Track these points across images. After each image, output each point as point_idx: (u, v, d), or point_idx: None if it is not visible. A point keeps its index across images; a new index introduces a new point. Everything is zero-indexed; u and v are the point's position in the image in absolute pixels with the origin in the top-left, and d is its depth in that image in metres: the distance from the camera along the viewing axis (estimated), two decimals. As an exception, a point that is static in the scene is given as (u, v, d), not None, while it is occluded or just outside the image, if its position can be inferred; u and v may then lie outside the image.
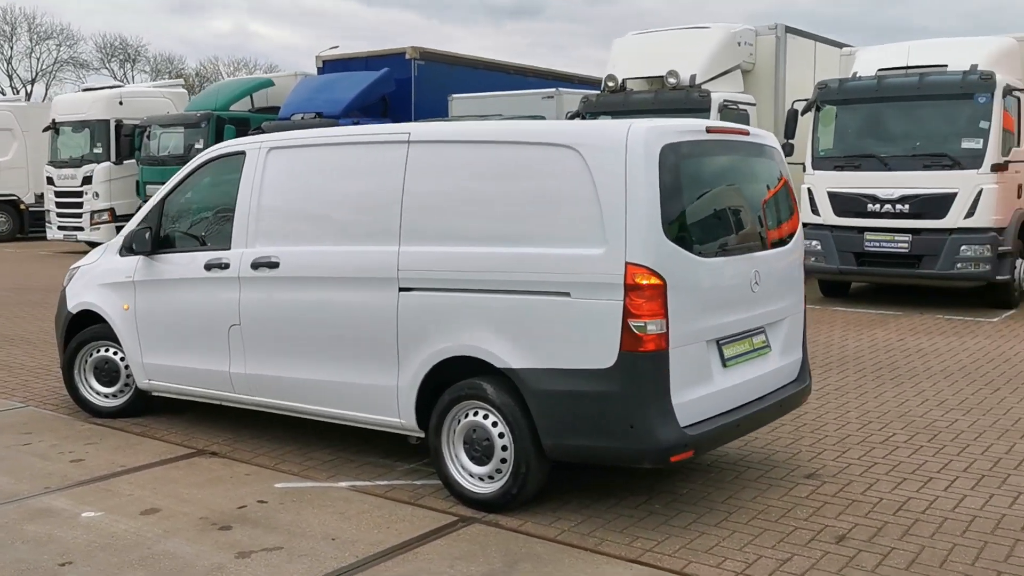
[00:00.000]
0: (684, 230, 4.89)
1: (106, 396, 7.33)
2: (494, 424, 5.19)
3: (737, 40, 15.13)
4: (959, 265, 12.16)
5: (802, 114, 13.43)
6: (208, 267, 6.39)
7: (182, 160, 17.17)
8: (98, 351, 7.32)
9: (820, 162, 13.30)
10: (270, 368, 6.13)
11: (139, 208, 7.79)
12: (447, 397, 5.34)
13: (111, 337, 7.18)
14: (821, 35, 16.86)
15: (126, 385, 7.27)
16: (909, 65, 13.05)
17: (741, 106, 14.56)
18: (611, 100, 15.08)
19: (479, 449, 5.25)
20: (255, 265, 6.11)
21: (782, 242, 5.76)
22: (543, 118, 17.55)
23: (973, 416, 7.28)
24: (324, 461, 6.19)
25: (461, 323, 5.24)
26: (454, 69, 20.96)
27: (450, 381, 5.38)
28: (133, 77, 58.40)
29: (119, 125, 21.62)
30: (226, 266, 6.28)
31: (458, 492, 5.35)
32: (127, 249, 6.98)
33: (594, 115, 15.04)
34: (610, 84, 15.12)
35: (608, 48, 16.17)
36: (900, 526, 5.05)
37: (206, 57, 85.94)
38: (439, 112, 18.89)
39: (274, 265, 6.02)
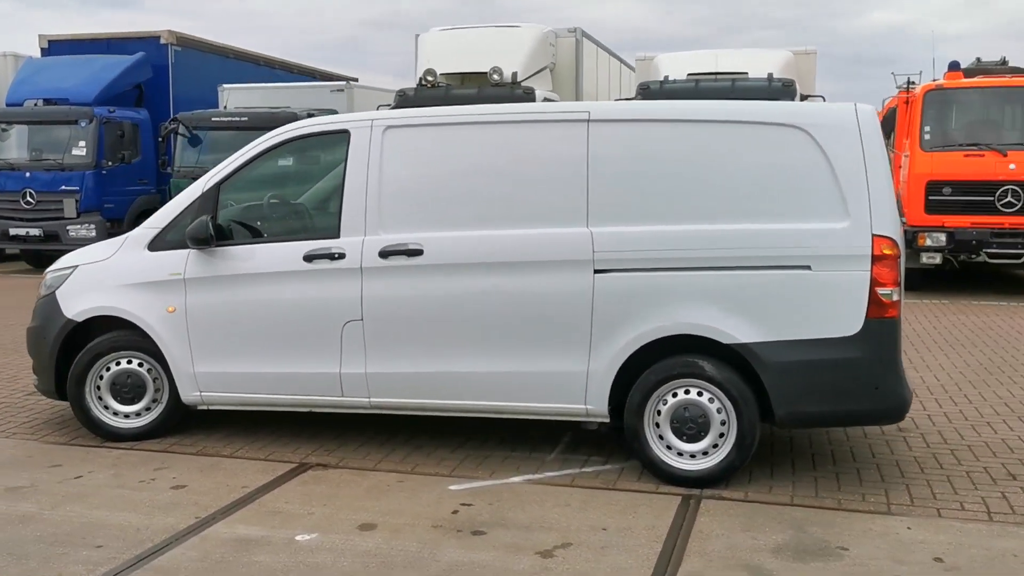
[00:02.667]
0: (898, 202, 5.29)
1: (126, 416, 6.28)
2: (710, 400, 5.26)
3: (548, 40, 15.73)
4: None
5: None
6: (311, 258, 5.75)
7: None
8: (117, 364, 6.25)
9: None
10: (406, 365, 5.66)
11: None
12: (652, 378, 5.32)
13: (136, 346, 6.18)
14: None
15: (154, 401, 6.28)
16: (718, 71, 14.37)
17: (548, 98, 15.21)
18: (430, 95, 14.98)
19: (694, 426, 5.29)
20: (385, 254, 5.62)
21: None
22: (335, 111, 17.07)
23: None
24: (462, 460, 5.84)
25: (675, 302, 5.24)
26: (208, 57, 19.63)
27: (647, 363, 5.35)
28: None
29: None
30: (339, 256, 5.69)
31: (665, 472, 5.34)
32: (167, 243, 6.05)
33: (403, 108, 14.91)
34: (429, 79, 15.04)
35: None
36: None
37: None
38: (201, 103, 17.64)
39: (415, 252, 5.58)
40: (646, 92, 14.25)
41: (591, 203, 5.37)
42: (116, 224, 17.10)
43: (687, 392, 5.31)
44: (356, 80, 22.38)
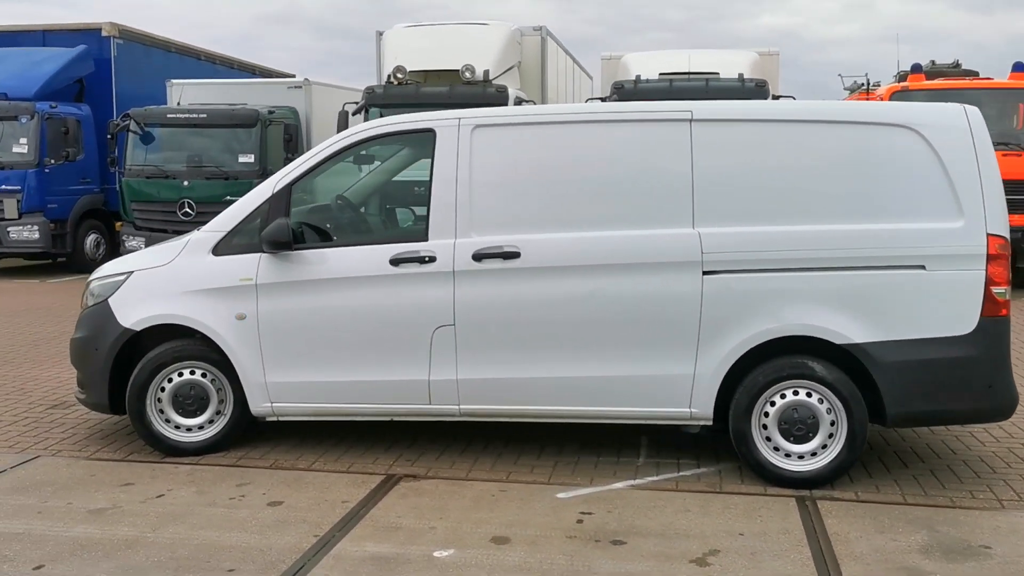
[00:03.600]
0: None
1: (188, 429, 5.95)
2: (820, 401, 5.25)
3: (517, 38, 15.63)
4: None
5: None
6: (398, 262, 5.53)
7: None
8: (180, 375, 5.91)
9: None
10: (500, 371, 5.49)
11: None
12: (761, 380, 5.29)
13: (200, 356, 5.86)
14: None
15: (217, 413, 5.97)
16: (691, 71, 14.49)
17: (526, 103, 15.13)
18: (400, 92, 14.75)
19: (803, 427, 5.28)
20: (479, 256, 5.44)
21: None
22: (295, 109, 16.67)
23: None
24: (553, 467, 5.71)
25: (787, 303, 5.22)
26: (151, 51, 18.90)
27: (752, 365, 5.32)
28: None
29: None
30: (430, 259, 5.50)
31: (773, 474, 5.32)
32: (233, 247, 5.75)
33: (381, 108, 14.65)
34: (399, 76, 14.78)
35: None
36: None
37: None
38: (146, 99, 16.98)
39: (512, 255, 5.42)
40: (621, 91, 14.26)
41: (697, 203, 5.30)
42: (59, 225, 16.34)
43: (795, 393, 5.29)
44: (293, 76, 21.89)
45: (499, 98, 14.36)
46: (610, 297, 5.35)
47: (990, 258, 5.07)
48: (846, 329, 5.15)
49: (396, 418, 5.79)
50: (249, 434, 6.14)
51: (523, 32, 16.09)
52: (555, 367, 5.45)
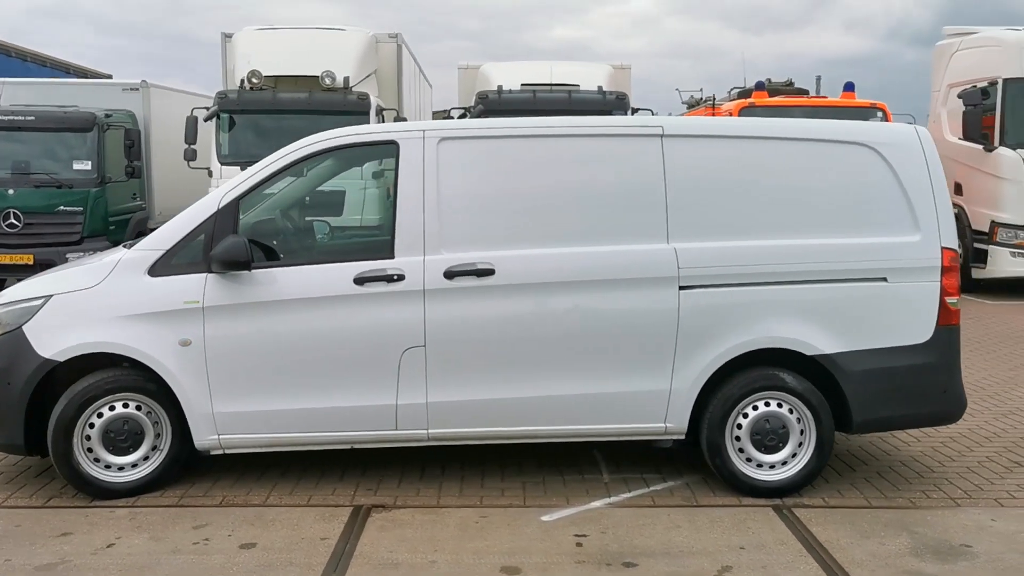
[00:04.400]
0: None
1: (120, 468, 5.40)
2: (790, 411, 5.39)
3: (375, 45, 15.32)
4: None
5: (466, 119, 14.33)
6: (362, 281, 5.25)
7: None
8: (111, 408, 5.36)
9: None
10: (472, 392, 5.31)
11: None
12: (735, 392, 5.36)
13: (133, 387, 5.35)
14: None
15: (153, 448, 5.46)
16: (553, 83, 14.66)
17: (386, 112, 14.88)
18: (256, 98, 14.15)
19: (774, 437, 5.39)
20: (451, 274, 5.25)
21: None
22: (132, 113, 15.70)
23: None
24: (522, 488, 5.58)
25: (759, 316, 5.31)
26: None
27: (723, 377, 5.39)
28: None
29: None
30: (398, 278, 5.24)
31: (746, 484, 5.40)
32: (174, 267, 5.29)
33: (235, 113, 14.04)
34: (254, 81, 14.17)
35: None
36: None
37: None
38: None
39: (486, 272, 5.25)
40: (486, 102, 14.26)
41: (670, 218, 5.31)
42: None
43: (767, 404, 5.39)
44: (110, 76, 20.57)
45: (361, 106, 14.09)
46: (587, 314, 5.28)
47: (944, 270, 5.35)
48: (815, 340, 5.30)
49: (357, 446, 5.48)
50: (184, 470, 5.64)
51: (378, 39, 15.81)
52: (530, 387, 5.32)
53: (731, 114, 14.63)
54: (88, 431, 5.32)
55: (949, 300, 5.37)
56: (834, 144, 5.42)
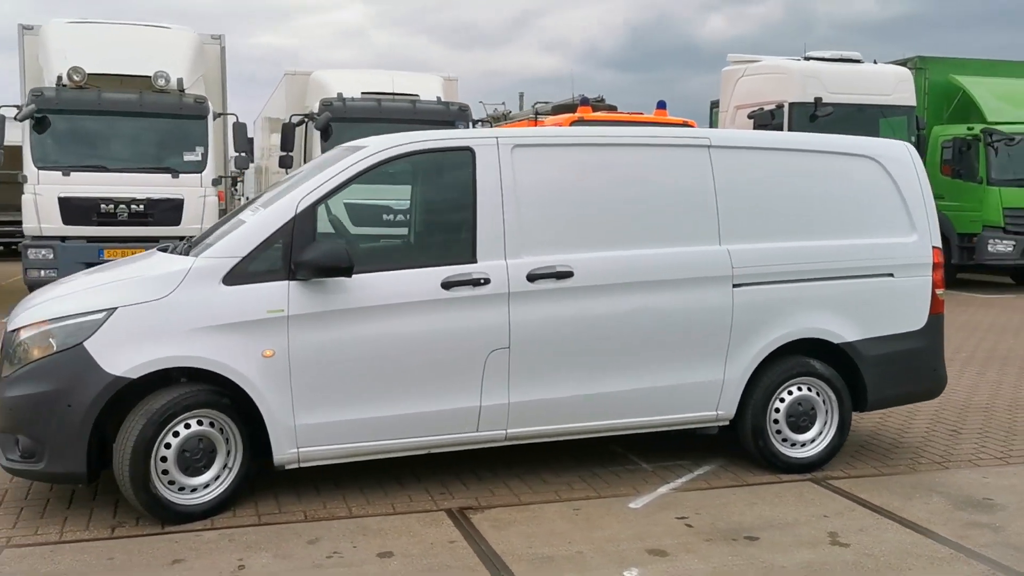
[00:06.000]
0: None
1: (194, 490, 5.10)
2: (817, 393, 6.05)
3: (204, 46, 14.66)
4: None
5: (305, 126, 14.18)
6: (449, 285, 5.31)
7: None
8: (187, 427, 5.04)
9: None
10: (550, 391, 5.51)
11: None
12: (776, 379, 5.94)
13: (208, 403, 5.07)
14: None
15: (224, 467, 5.19)
16: (395, 92, 14.73)
17: (219, 115, 14.39)
18: (78, 97, 13.18)
19: (806, 419, 6.03)
20: (533, 277, 5.43)
21: None
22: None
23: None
24: (583, 482, 5.84)
25: (797, 310, 5.92)
26: None
27: (765, 366, 5.96)
28: None
29: None
30: (484, 281, 5.35)
31: (783, 462, 5.99)
32: (251, 275, 5.09)
33: (55, 114, 13.03)
34: (75, 78, 13.15)
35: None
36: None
37: None
38: None
39: (565, 275, 5.48)
40: (331, 108, 14.11)
41: (721, 222, 5.80)
42: None
43: (799, 389, 6.01)
44: None
45: (199, 110, 13.59)
46: (654, 312, 5.64)
47: (934, 266, 6.23)
48: (841, 330, 5.99)
49: (436, 450, 5.49)
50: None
51: (203, 40, 15.14)
52: (600, 383, 5.59)
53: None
54: (164, 452, 4.97)
55: (938, 292, 6.25)
56: (848, 157, 6.14)
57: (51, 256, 13.02)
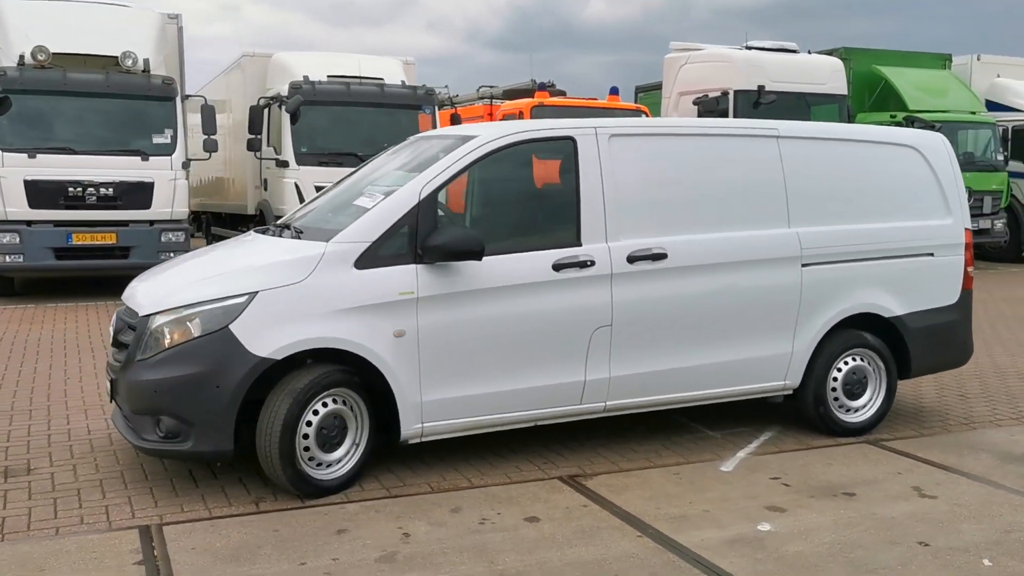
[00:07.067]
0: None
1: (329, 465, 5.32)
2: (868, 363, 6.63)
3: (167, 25, 14.43)
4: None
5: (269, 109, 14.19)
6: (559, 267, 5.65)
7: None
8: (325, 405, 5.25)
9: (303, 158, 14.13)
10: (645, 365, 5.91)
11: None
12: (836, 350, 6.49)
13: (343, 382, 5.30)
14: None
15: (353, 444, 5.42)
16: (361, 76, 14.80)
17: (192, 97, 14.23)
18: (43, 77, 12.91)
19: (859, 387, 6.60)
20: (633, 259, 5.82)
21: None
22: None
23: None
24: (664, 449, 6.26)
25: (853, 287, 6.48)
26: None
27: (826, 339, 6.50)
28: None
29: None
30: (590, 263, 5.71)
31: (840, 426, 6.55)
32: (380, 259, 5.32)
33: (13, 94, 12.73)
34: (40, 57, 12.84)
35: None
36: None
37: None
38: None
39: (660, 257, 5.88)
40: (301, 91, 14.13)
41: (790, 206, 6.29)
42: None
43: (854, 359, 6.57)
44: None
45: (168, 91, 13.49)
46: (738, 290, 6.10)
47: (966, 246, 6.87)
48: (891, 305, 6.58)
49: (542, 422, 5.83)
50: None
51: (164, 20, 14.90)
52: (689, 357, 6.02)
53: (521, 113, 15.68)
54: (306, 429, 5.17)
55: (969, 269, 6.90)
56: (894, 147, 6.72)
57: (17, 241, 12.72)
